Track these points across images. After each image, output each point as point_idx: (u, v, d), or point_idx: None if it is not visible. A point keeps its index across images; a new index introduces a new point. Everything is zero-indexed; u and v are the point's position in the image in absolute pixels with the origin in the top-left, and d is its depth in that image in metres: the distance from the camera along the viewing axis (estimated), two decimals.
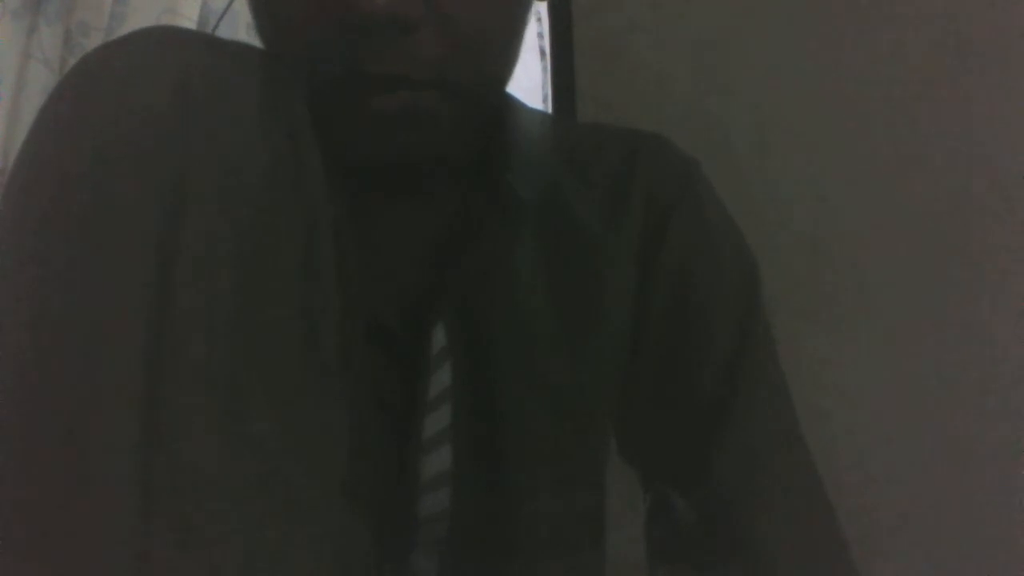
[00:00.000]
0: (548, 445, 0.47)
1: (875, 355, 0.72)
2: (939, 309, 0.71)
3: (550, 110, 0.92)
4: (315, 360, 0.35)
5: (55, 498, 0.29)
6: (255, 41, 0.42)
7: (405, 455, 0.44)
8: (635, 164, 0.51)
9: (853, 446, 0.70)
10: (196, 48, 0.36)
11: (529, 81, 1.03)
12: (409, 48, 0.38)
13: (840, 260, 0.74)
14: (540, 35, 1.02)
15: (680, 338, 0.50)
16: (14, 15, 1.14)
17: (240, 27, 1.17)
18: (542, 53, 1.02)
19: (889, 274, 0.73)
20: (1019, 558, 0.66)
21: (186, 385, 0.31)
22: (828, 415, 0.69)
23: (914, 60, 0.73)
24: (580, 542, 0.51)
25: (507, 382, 0.46)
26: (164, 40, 0.36)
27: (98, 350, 0.30)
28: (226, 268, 0.33)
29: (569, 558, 0.50)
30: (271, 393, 0.33)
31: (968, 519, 0.68)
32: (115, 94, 0.34)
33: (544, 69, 1.01)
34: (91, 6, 1.15)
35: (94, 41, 1.14)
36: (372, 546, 0.41)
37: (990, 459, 0.68)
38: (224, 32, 1.12)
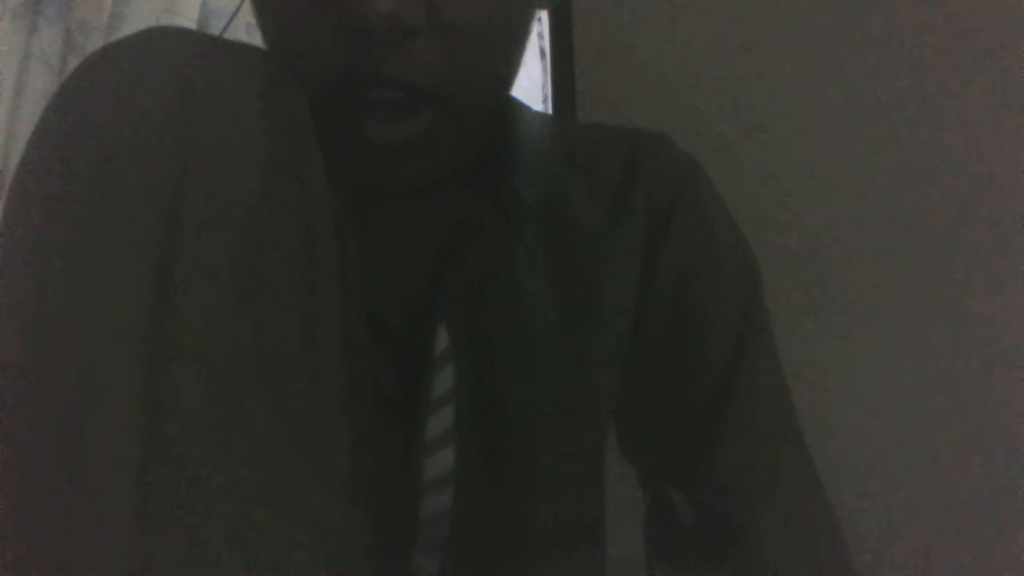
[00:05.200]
0: (550, 444, 0.47)
1: (875, 354, 0.72)
2: (940, 308, 0.71)
3: (550, 110, 0.92)
4: (315, 360, 0.35)
5: (55, 499, 0.29)
6: (255, 41, 0.42)
7: (408, 456, 0.44)
8: (636, 164, 0.51)
9: (853, 445, 0.70)
10: (198, 49, 0.36)
11: (529, 81, 1.03)
12: (411, 54, 0.38)
13: (841, 259, 0.74)
14: (540, 35, 1.02)
15: (681, 337, 0.50)
16: (14, 15, 1.14)
17: (240, 27, 1.17)
18: (542, 53, 1.02)
19: (890, 273, 0.73)
20: (1019, 558, 0.66)
21: (186, 385, 0.31)
22: (828, 414, 0.69)
23: (914, 58, 0.73)
24: (580, 541, 0.51)
25: (510, 383, 0.46)
26: (167, 41, 0.36)
27: (99, 350, 0.30)
28: (227, 269, 0.33)
29: (570, 557, 0.50)
30: (271, 393, 0.33)
31: (968, 519, 0.68)
32: (118, 95, 0.34)
33: (544, 69, 1.01)
34: (91, 6, 1.15)
35: (94, 41, 1.14)
36: (373, 546, 0.41)
37: (990, 459, 0.68)
38: (224, 32, 1.12)
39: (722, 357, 0.49)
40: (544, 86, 1.02)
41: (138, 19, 1.14)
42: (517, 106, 0.51)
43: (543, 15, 0.96)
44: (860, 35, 0.75)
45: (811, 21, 0.77)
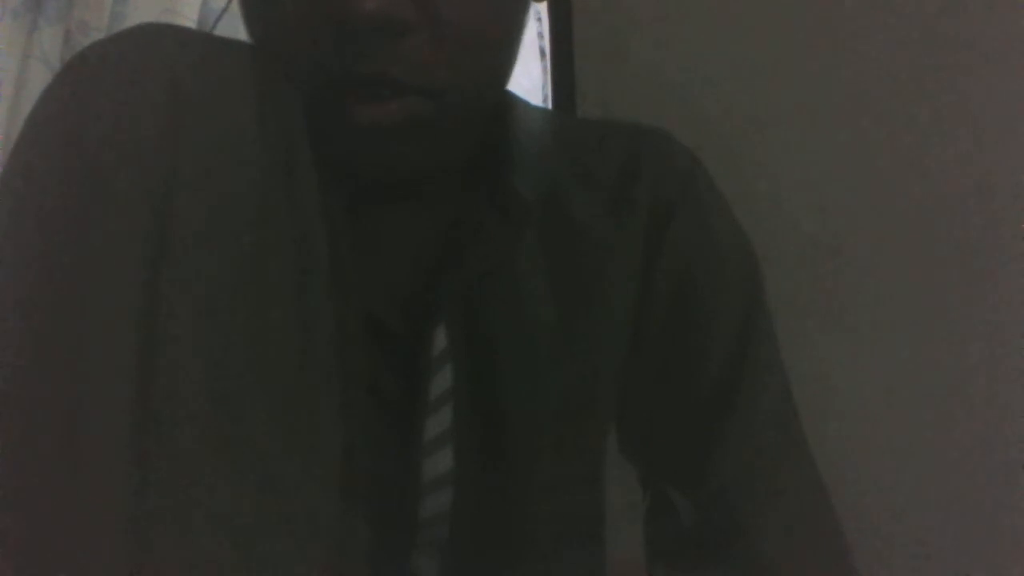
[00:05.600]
0: (550, 445, 0.47)
1: (876, 353, 0.72)
2: (941, 308, 0.71)
3: None
4: (310, 361, 0.35)
5: (51, 498, 0.29)
6: None
7: (407, 456, 0.44)
8: (638, 161, 0.50)
9: (854, 445, 0.70)
10: (189, 46, 0.36)
11: (529, 81, 1.03)
12: (400, 52, 0.37)
13: (841, 258, 0.74)
14: (540, 35, 1.02)
15: (682, 336, 0.49)
16: (14, 15, 1.14)
17: (241, 26, 1.17)
18: (542, 53, 1.02)
19: (890, 272, 0.72)
20: (1019, 558, 0.66)
21: (180, 386, 0.31)
22: (828, 414, 0.69)
23: (913, 58, 0.73)
24: (580, 541, 0.51)
25: (509, 383, 0.46)
26: (157, 38, 0.36)
27: (93, 350, 0.30)
28: (218, 269, 0.32)
29: (570, 557, 0.50)
30: (266, 394, 0.33)
31: (968, 519, 0.68)
32: (107, 93, 0.33)
33: (544, 69, 1.00)
34: (91, 6, 1.15)
35: (94, 41, 1.14)
36: (371, 547, 0.41)
37: (991, 459, 0.68)
38: (225, 31, 1.12)
39: (723, 357, 0.49)
40: (544, 86, 1.01)
41: (138, 19, 1.13)
42: (515, 102, 0.51)
43: (543, 15, 0.96)
44: (861, 34, 0.75)
45: (811, 20, 0.76)
